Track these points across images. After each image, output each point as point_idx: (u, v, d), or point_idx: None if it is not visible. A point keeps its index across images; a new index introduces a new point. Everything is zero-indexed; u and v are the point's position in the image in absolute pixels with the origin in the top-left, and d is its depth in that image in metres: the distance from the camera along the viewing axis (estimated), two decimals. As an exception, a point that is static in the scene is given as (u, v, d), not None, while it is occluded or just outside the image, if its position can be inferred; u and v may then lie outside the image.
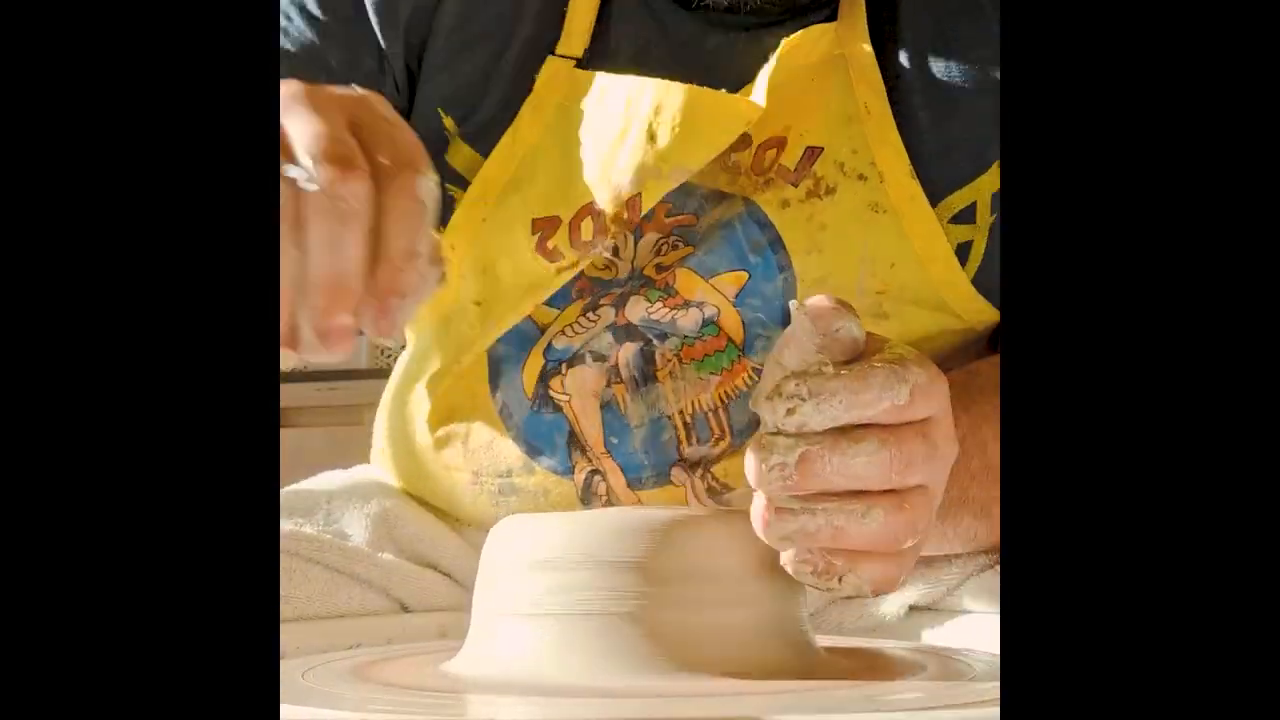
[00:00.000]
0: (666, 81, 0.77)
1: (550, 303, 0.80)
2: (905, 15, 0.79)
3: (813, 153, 0.77)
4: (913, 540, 0.53)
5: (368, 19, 0.81)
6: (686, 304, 0.78)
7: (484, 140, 0.81)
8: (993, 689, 0.50)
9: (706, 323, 0.78)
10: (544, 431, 0.80)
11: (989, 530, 0.71)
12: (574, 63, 0.80)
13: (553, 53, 0.80)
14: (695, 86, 0.77)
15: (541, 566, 0.56)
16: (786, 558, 0.53)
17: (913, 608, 0.76)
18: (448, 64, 0.81)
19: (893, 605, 0.76)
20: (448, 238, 0.80)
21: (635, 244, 0.79)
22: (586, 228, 0.78)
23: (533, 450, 0.80)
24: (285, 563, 0.74)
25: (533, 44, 0.81)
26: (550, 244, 0.79)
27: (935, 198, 0.77)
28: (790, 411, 0.50)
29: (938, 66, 0.78)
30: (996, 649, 0.52)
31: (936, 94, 0.78)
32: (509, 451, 0.80)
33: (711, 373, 0.77)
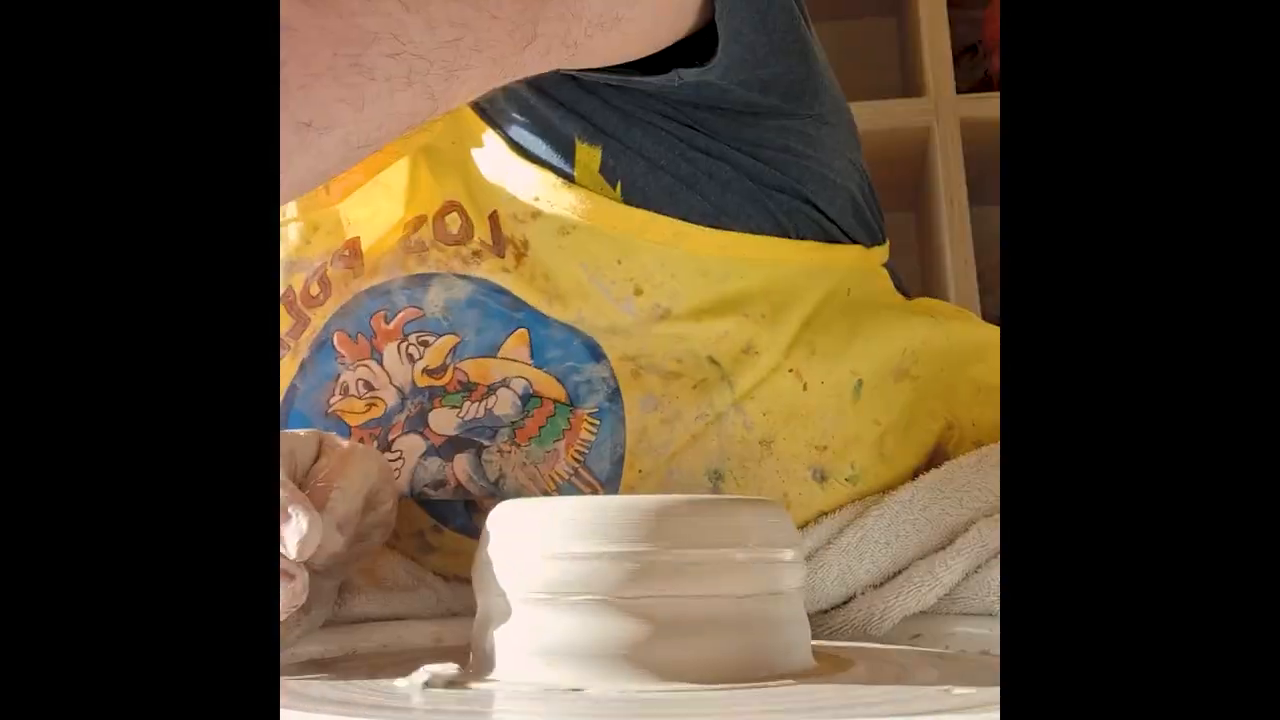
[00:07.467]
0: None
1: None
2: None
3: (494, 216, 0.76)
4: None
5: None
6: (490, 389, 0.75)
7: None
8: (992, 691, 0.50)
9: (524, 397, 0.75)
10: (443, 506, 0.78)
11: None
12: None
13: None
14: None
15: (541, 559, 0.56)
16: None
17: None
18: None
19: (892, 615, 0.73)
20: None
21: (382, 365, 0.78)
22: None
23: (440, 517, 0.78)
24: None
25: None
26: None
27: None
28: None
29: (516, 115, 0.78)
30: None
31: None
32: (418, 515, 0.79)
33: (555, 440, 0.74)
